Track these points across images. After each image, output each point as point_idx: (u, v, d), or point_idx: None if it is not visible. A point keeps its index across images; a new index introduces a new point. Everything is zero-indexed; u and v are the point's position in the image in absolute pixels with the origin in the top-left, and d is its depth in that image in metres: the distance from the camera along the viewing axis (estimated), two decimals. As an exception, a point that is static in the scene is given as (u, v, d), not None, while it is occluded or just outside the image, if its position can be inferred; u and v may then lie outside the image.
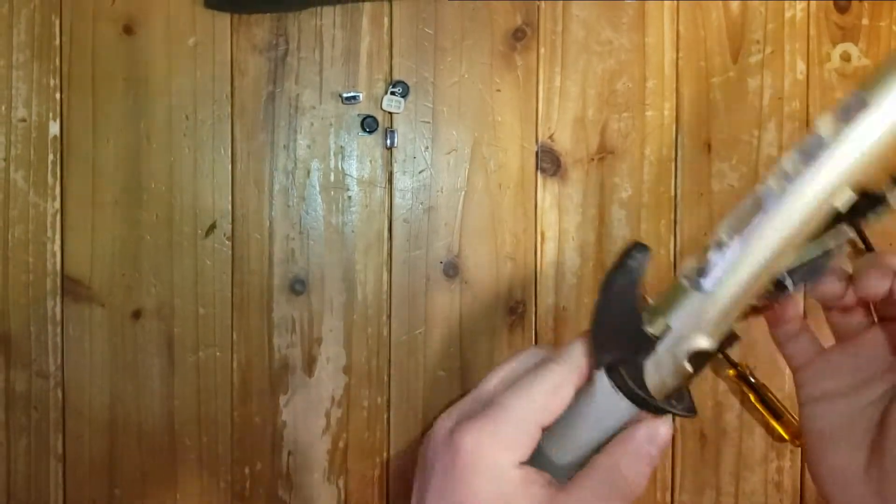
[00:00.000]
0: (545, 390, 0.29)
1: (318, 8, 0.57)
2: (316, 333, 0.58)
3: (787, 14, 0.59)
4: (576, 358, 0.30)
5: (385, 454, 0.59)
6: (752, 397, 0.58)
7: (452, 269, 0.58)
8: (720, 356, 0.58)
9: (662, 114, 0.59)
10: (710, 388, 0.60)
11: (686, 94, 0.59)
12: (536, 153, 0.59)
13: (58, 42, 0.57)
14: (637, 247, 0.29)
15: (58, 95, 0.57)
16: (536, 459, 0.31)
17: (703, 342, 0.28)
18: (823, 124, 0.26)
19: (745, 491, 0.60)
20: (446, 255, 0.58)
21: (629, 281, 0.29)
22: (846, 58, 0.60)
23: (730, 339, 0.29)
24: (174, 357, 0.58)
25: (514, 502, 0.28)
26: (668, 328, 0.29)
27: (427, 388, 0.59)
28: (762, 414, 0.59)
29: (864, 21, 0.59)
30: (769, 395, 0.58)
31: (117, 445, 0.58)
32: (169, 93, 0.57)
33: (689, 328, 0.29)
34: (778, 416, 0.58)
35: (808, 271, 0.28)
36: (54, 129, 0.57)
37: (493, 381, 0.32)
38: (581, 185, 0.59)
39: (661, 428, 0.30)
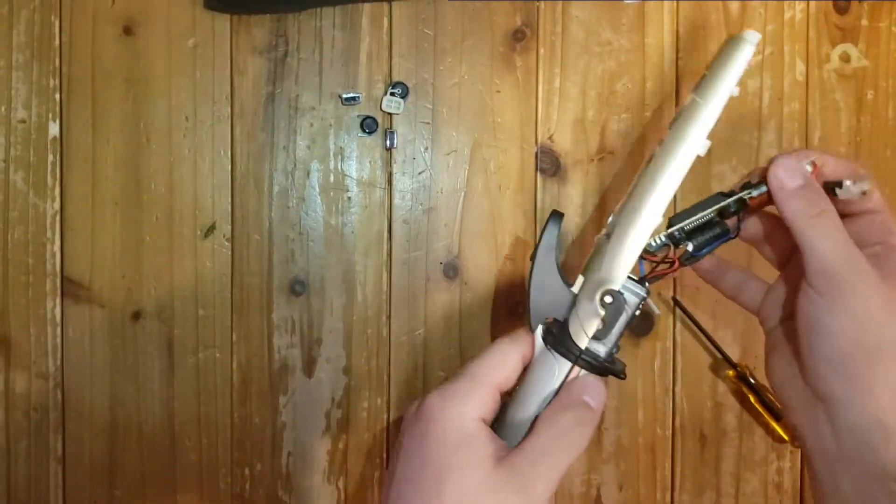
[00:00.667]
0: (494, 354, 0.35)
1: (318, 9, 0.57)
2: (316, 334, 0.58)
3: (787, 15, 0.59)
4: (522, 332, 0.36)
5: (385, 455, 0.59)
6: (751, 398, 0.58)
7: (452, 270, 0.58)
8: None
9: (662, 114, 0.59)
10: (710, 389, 0.60)
11: (686, 95, 0.59)
12: (536, 154, 0.59)
13: (58, 42, 0.57)
14: (552, 217, 0.35)
15: (57, 96, 0.57)
16: (503, 433, 0.35)
17: (609, 283, 0.34)
18: (687, 98, 0.35)
19: (745, 492, 0.60)
20: (446, 256, 0.58)
21: (548, 249, 0.35)
22: (845, 59, 0.60)
23: (641, 283, 0.35)
24: (174, 358, 0.58)
25: (471, 454, 0.32)
26: (584, 282, 0.35)
27: (427, 388, 0.59)
28: (762, 415, 0.59)
29: (864, 22, 0.60)
30: (769, 395, 0.58)
31: (117, 447, 0.58)
32: (169, 93, 0.57)
33: (599, 276, 0.35)
34: (778, 416, 0.58)
35: (708, 239, 0.36)
36: (54, 129, 0.57)
37: None
38: (581, 185, 0.59)
39: (593, 380, 0.34)
